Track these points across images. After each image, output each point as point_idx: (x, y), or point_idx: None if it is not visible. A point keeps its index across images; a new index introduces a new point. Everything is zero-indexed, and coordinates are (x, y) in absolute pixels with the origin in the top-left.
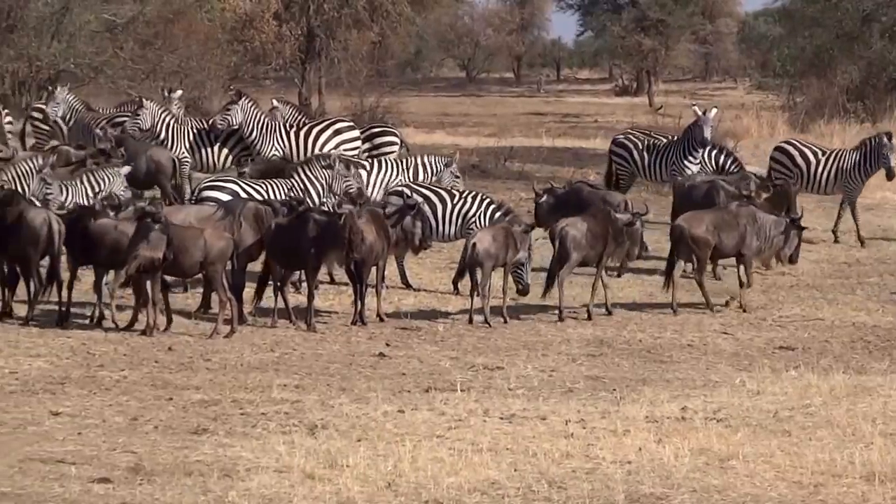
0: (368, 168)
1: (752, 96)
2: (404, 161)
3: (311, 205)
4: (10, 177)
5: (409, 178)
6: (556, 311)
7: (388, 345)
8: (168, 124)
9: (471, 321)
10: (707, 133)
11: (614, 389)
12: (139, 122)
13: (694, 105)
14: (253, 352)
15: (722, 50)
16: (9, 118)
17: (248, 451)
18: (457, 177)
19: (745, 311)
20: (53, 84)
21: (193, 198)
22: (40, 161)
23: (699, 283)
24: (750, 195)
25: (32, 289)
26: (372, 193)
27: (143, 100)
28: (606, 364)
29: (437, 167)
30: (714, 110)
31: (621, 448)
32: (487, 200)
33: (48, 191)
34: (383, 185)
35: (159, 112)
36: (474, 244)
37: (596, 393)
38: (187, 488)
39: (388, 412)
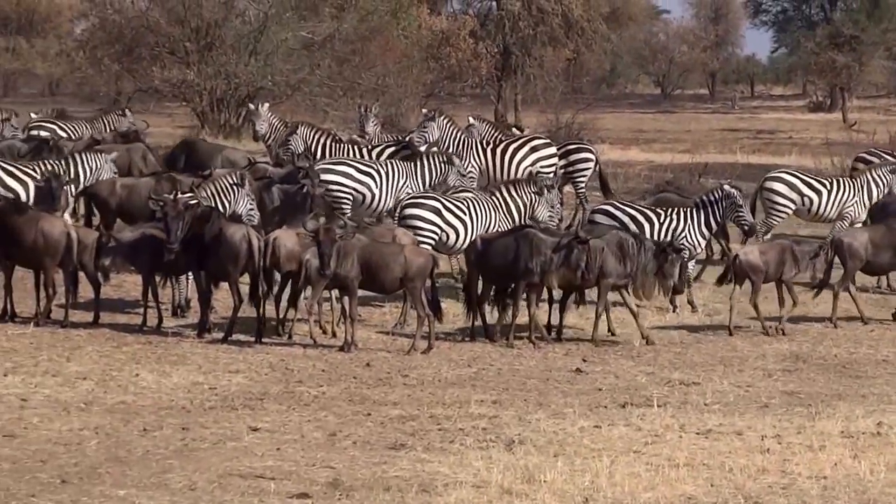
0: (828, 185)
1: None
2: (857, 180)
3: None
4: (209, 193)
5: (863, 197)
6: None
7: (584, 360)
8: (324, 145)
9: (730, 333)
10: None
11: (810, 405)
12: (291, 146)
13: None
14: (450, 367)
15: None
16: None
17: (445, 466)
18: None
19: None
20: (252, 101)
21: (396, 215)
22: (237, 177)
23: None
24: None
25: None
26: (828, 212)
27: (299, 126)
28: (802, 379)
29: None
30: None
31: (817, 463)
32: (695, 218)
33: (251, 206)
34: (839, 205)
35: (312, 134)
36: (737, 256)
37: (791, 408)
38: (385, 503)
39: (584, 427)
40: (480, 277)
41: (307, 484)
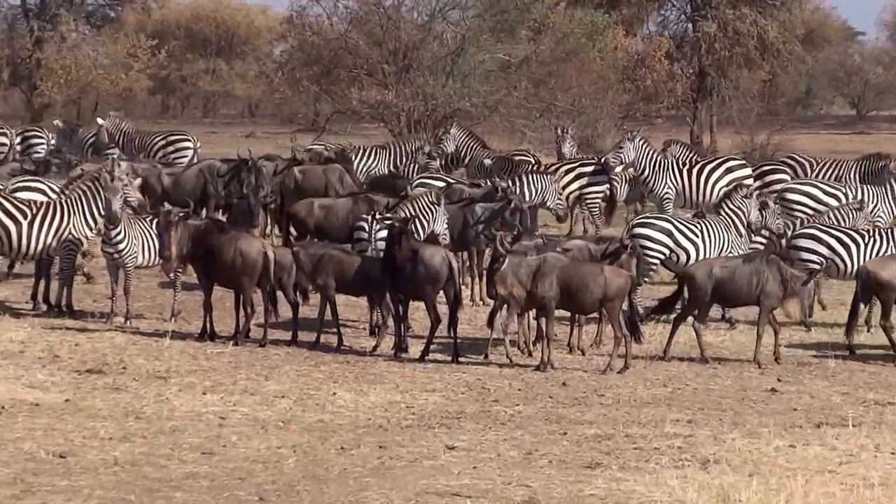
0: None
1: None
2: None
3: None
4: (407, 213)
5: None
6: None
7: (779, 380)
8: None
9: None
10: None
11: None
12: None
13: None
14: (646, 387)
15: None
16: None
17: (641, 485)
18: None
19: None
20: (449, 123)
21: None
22: (435, 197)
23: None
24: None
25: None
26: None
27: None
28: None
29: None
30: None
31: None
32: None
33: (445, 226)
34: None
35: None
36: None
37: None
38: None
39: (779, 447)
40: (710, 301)
41: (503, 502)
